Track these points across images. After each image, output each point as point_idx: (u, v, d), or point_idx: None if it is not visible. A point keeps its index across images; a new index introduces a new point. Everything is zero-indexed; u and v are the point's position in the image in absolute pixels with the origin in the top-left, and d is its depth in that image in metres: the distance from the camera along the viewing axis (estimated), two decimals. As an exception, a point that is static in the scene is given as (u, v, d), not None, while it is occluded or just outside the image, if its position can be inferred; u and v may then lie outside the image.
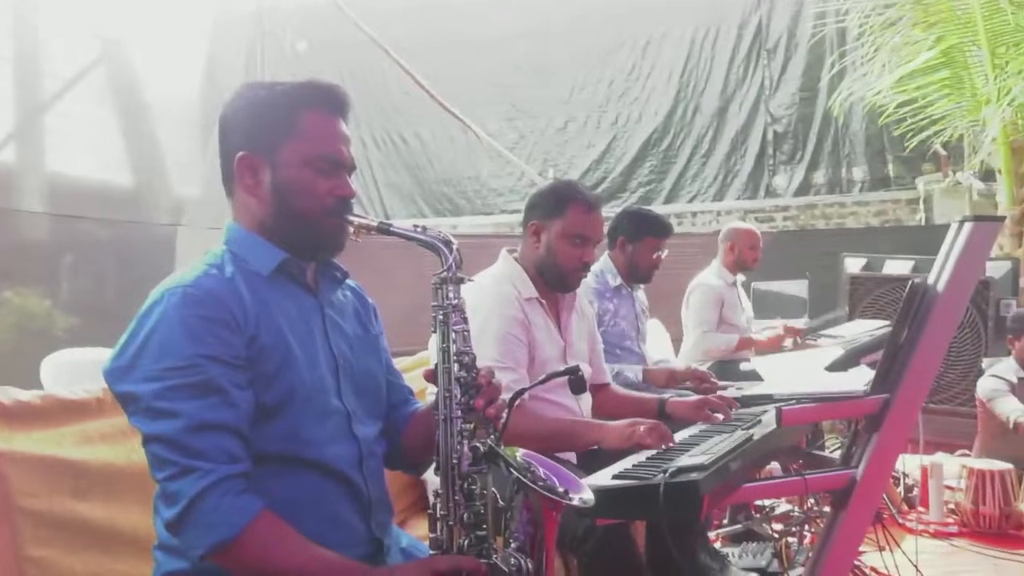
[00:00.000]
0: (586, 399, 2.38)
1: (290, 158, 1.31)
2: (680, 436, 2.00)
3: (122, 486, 1.59)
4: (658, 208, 5.50)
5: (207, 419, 1.16)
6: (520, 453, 1.25)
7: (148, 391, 1.17)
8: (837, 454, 2.23)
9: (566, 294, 2.36)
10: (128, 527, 1.57)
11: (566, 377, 1.54)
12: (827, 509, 2.18)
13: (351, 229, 1.33)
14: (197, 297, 1.21)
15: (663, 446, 1.89)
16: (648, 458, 1.75)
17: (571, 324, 2.37)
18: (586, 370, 2.38)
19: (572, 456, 2.24)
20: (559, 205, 2.24)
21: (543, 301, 2.27)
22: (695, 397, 2.39)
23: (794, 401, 1.87)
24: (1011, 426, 3.70)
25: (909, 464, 3.59)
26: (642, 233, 3.27)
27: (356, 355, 1.40)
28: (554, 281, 2.28)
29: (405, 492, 2.39)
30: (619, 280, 3.28)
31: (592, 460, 2.13)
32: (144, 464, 1.21)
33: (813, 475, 1.82)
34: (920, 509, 3.55)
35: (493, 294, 2.19)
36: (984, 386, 3.90)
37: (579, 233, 2.23)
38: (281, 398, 1.25)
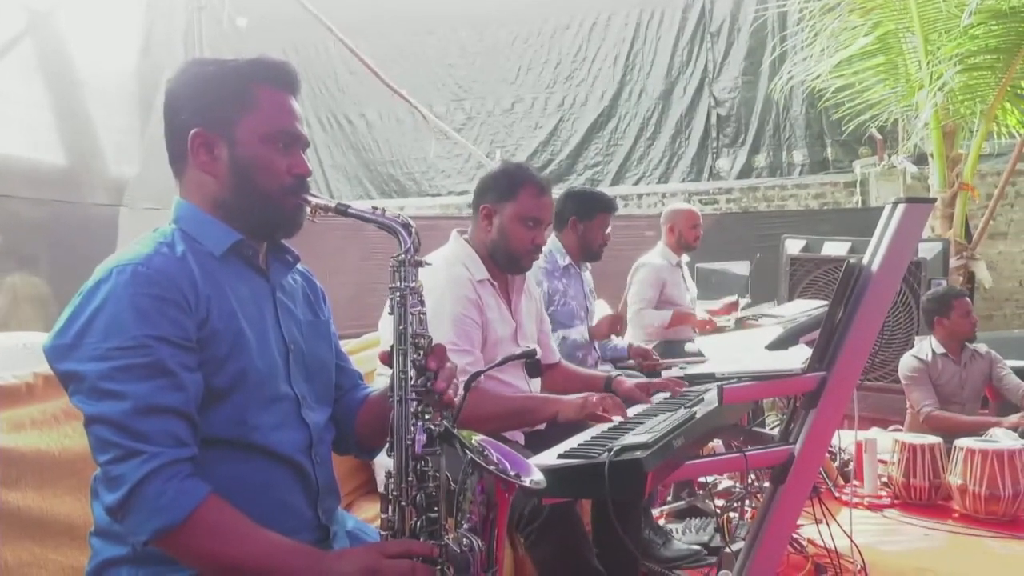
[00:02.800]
0: (536, 380, 2.40)
1: (248, 135, 1.28)
2: (628, 414, 2.03)
3: (55, 473, 1.54)
4: (605, 190, 5.60)
5: (154, 402, 1.13)
6: (476, 437, 1.25)
7: (93, 371, 1.13)
8: (776, 431, 2.28)
9: (516, 277, 2.38)
10: (62, 515, 1.53)
11: (521, 359, 1.54)
12: (767, 484, 2.24)
13: (308, 209, 1.31)
14: (147, 275, 1.17)
15: (616, 418, 1.96)
16: (593, 437, 1.77)
17: (521, 305, 2.40)
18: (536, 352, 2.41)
19: (519, 436, 2.26)
20: (511, 188, 2.26)
21: (494, 283, 2.29)
22: (640, 380, 2.43)
23: (735, 380, 1.89)
24: (921, 419, 3.86)
25: (845, 439, 3.71)
26: (594, 211, 3.30)
27: (307, 340, 1.38)
28: (506, 263, 2.29)
29: (352, 475, 2.38)
30: (568, 260, 3.31)
31: (538, 440, 2.16)
32: (77, 450, 1.18)
33: (753, 451, 1.85)
34: (855, 482, 3.67)
35: (446, 275, 2.19)
36: (902, 368, 4.04)
37: (532, 216, 2.25)
38: (231, 382, 1.22)
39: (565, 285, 3.27)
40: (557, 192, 3.80)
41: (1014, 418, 3.72)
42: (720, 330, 4.17)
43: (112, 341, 1.13)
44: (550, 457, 1.60)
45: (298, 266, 1.45)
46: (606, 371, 2.95)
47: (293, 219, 1.33)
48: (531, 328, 2.46)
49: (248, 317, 1.28)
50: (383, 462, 1.28)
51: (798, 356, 2.18)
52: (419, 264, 1.29)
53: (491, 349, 2.19)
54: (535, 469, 1.25)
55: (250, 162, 1.28)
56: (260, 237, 1.34)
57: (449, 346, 2.03)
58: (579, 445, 1.69)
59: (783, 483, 1.85)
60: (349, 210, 1.29)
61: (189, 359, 1.18)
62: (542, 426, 2.32)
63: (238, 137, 1.28)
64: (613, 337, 3.59)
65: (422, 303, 1.28)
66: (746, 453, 1.80)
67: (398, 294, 1.27)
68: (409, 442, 1.22)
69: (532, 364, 1.57)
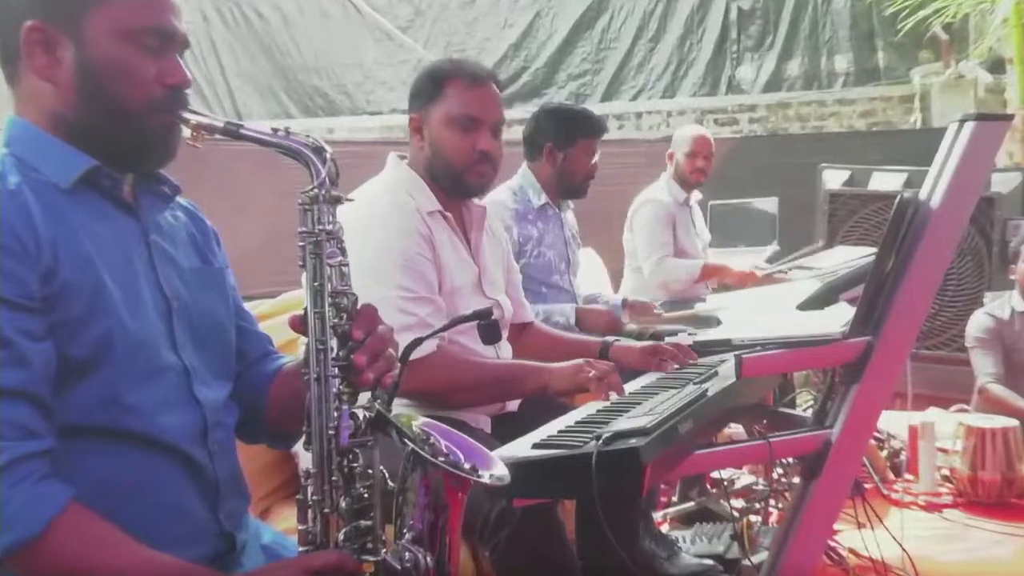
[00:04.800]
0: (505, 347, 2.43)
1: (101, 31, 1.25)
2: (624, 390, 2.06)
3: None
4: (594, 108, 5.43)
5: None
6: (417, 421, 1.26)
7: None
8: (810, 412, 2.31)
9: (473, 209, 2.38)
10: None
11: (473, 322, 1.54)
12: (797, 480, 2.27)
13: (187, 130, 1.29)
14: None
15: (609, 398, 1.98)
16: (577, 422, 1.78)
17: (483, 245, 2.40)
18: (505, 306, 2.43)
19: (486, 423, 2.29)
20: (436, 86, 2.26)
21: (447, 214, 2.28)
22: (643, 343, 2.45)
23: (758, 348, 1.91)
24: (976, 390, 3.95)
25: (895, 423, 3.76)
26: (576, 135, 3.29)
27: (193, 294, 1.37)
28: (450, 183, 2.28)
29: (270, 472, 2.38)
30: (544, 198, 3.30)
31: (509, 426, 2.18)
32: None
33: (780, 438, 1.87)
34: (908, 477, 3.74)
35: (388, 206, 2.19)
36: (971, 327, 4.09)
37: (464, 114, 2.24)
38: (94, 351, 1.20)
39: (541, 230, 3.27)
40: (531, 109, 3.76)
41: None
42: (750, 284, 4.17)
43: None
44: (523, 447, 1.61)
45: (180, 200, 1.43)
46: (600, 337, 2.96)
47: (163, 144, 1.31)
48: (497, 275, 2.46)
49: (111, 266, 1.25)
50: (305, 457, 1.28)
51: (837, 317, 2.21)
52: (337, 201, 1.28)
53: (447, 301, 2.19)
54: (497, 461, 1.26)
55: (104, 67, 1.26)
56: (121, 166, 1.32)
57: (401, 294, 2.09)
58: (559, 432, 1.70)
59: (817, 477, 1.88)
60: (241, 131, 1.27)
61: (32, 323, 1.16)
62: (513, 407, 2.36)
63: (87, 34, 1.25)
64: (603, 293, 3.60)
65: (342, 252, 1.27)
66: (771, 440, 1.82)
67: (311, 240, 1.26)
68: (332, 431, 1.21)
69: (487, 327, 1.56)
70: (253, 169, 4.33)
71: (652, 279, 4.15)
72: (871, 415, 1.92)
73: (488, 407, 2.30)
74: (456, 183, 2.29)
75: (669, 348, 2.35)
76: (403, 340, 1.57)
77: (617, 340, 2.51)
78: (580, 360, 2.13)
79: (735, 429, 3.24)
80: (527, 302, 2.67)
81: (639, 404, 1.87)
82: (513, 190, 3.27)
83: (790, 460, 2.81)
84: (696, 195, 4.48)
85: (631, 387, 2.13)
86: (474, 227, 2.38)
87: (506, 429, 2.16)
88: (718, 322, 2.77)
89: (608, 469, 1.46)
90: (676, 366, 2.29)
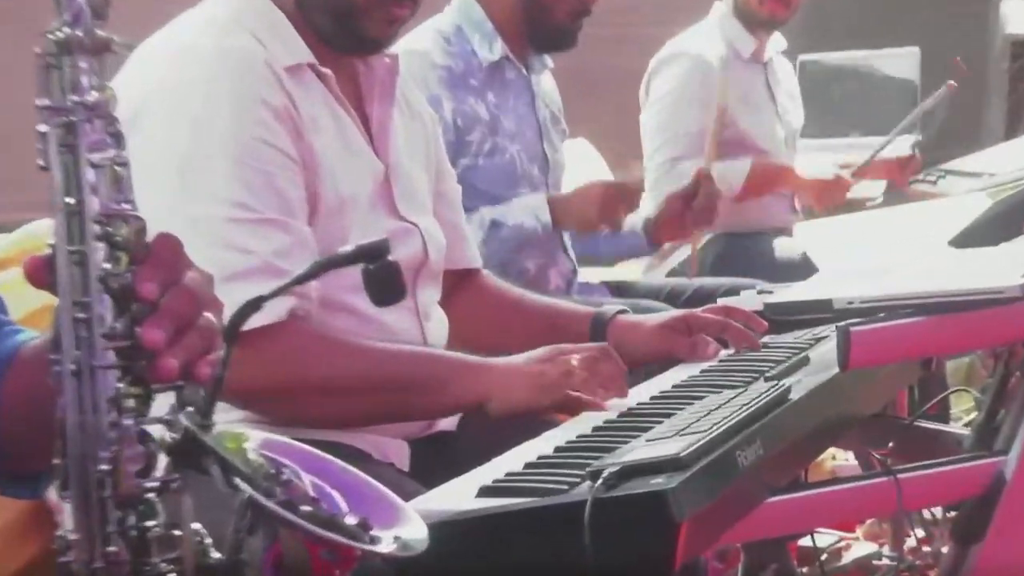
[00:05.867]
0: (437, 319, 2.43)
1: None
2: (638, 395, 2.08)
3: None
4: None
5: None
6: (254, 442, 1.25)
7: None
8: (969, 430, 2.33)
9: (375, 63, 2.39)
10: None
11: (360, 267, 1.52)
12: (946, 549, 2.28)
13: None
14: None
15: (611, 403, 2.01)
16: (558, 448, 1.78)
17: (392, 127, 2.39)
18: (431, 236, 2.42)
19: (400, 452, 2.30)
20: None
21: (325, 72, 2.28)
22: (670, 313, 2.47)
23: (879, 314, 1.93)
24: None
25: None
26: None
27: None
28: (332, 24, 2.28)
29: (12, 538, 2.42)
30: (500, 48, 3.33)
31: (437, 458, 2.22)
32: None
33: (917, 474, 1.89)
34: None
35: (211, 56, 2.20)
36: None
37: None
38: None
39: (494, 107, 3.32)
40: None
41: None
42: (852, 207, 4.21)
43: None
44: (463, 493, 1.62)
45: None
46: (592, 301, 2.97)
47: None
48: (419, 181, 2.46)
49: None
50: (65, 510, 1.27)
51: (1017, 260, 2.20)
52: (105, 48, 1.23)
53: (331, 224, 2.20)
54: (411, 514, 1.26)
55: None
56: None
57: (232, 213, 2.14)
58: (528, 466, 1.71)
59: (981, 542, 1.89)
60: None
61: None
62: (449, 425, 2.38)
63: None
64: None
65: (117, 140, 1.23)
66: (900, 477, 1.83)
67: (60, 122, 1.22)
68: (105, 465, 1.19)
69: (378, 275, 1.54)
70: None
71: (654, 192, 4.15)
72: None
73: (403, 426, 2.30)
74: (344, 27, 2.29)
75: (709, 316, 2.34)
76: (236, 296, 1.55)
77: (622, 311, 2.51)
78: (547, 349, 2.14)
79: (841, 460, 3.27)
80: (469, 234, 2.69)
81: (668, 417, 1.86)
82: (444, 34, 3.30)
83: (935, 512, 2.84)
84: (777, 42, 4.50)
85: (650, 389, 2.14)
86: (377, 95, 2.38)
87: (434, 462, 2.19)
88: (813, 270, 2.78)
89: (614, 530, 1.46)
90: (715, 352, 2.29)
